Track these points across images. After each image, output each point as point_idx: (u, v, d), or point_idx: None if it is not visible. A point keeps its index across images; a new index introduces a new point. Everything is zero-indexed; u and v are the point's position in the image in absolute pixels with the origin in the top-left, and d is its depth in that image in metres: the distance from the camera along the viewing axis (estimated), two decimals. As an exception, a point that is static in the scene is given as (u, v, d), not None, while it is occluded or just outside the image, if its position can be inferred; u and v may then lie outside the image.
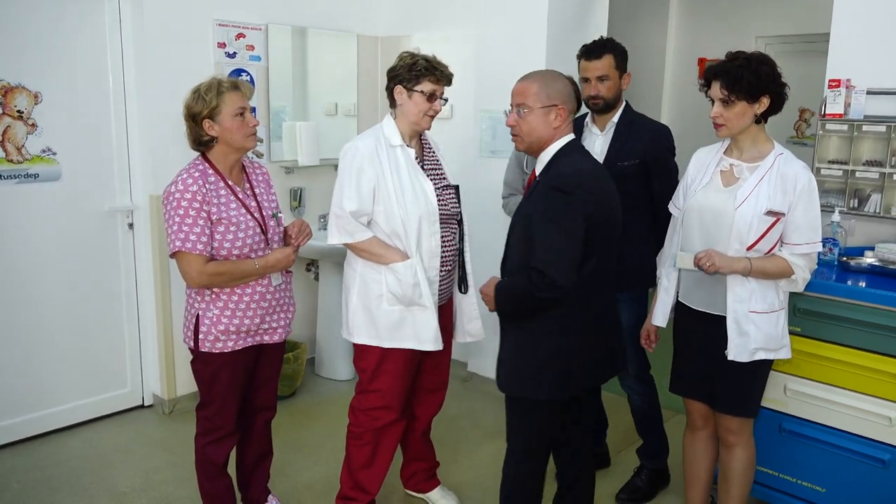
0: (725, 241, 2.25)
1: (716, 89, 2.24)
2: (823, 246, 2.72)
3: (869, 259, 2.74)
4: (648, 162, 2.77)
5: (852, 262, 2.72)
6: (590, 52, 2.79)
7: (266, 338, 2.49)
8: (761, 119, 2.27)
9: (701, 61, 5.33)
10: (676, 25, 5.49)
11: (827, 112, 2.93)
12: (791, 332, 2.47)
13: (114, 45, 3.43)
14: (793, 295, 2.50)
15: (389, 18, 4.34)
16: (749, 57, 2.22)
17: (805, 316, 2.55)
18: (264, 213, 2.46)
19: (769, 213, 2.21)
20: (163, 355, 3.63)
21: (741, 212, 2.22)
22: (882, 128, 2.81)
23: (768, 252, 2.26)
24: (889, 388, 2.41)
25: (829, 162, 2.96)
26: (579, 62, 2.84)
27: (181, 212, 2.24)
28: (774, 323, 2.31)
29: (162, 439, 3.41)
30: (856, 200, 2.91)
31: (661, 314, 2.50)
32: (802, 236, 2.23)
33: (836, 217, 2.82)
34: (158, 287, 3.56)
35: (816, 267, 2.37)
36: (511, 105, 2.20)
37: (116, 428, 3.53)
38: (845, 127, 2.89)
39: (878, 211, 2.85)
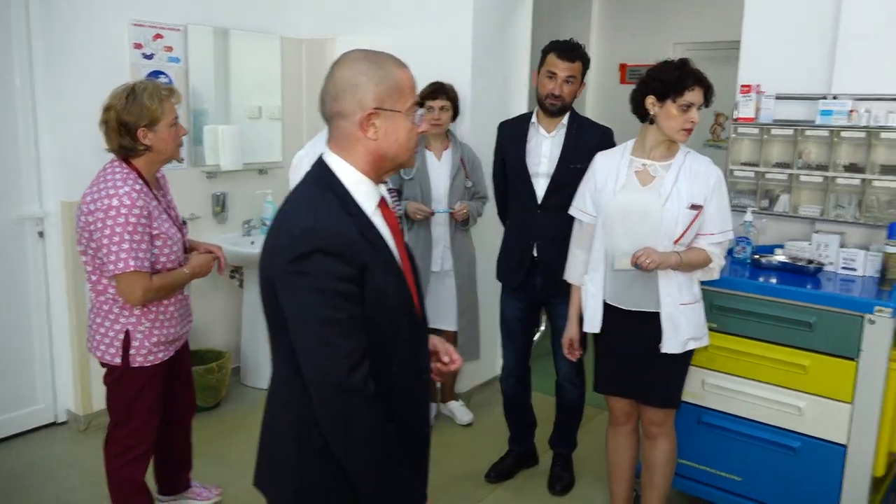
0: (654, 238, 2.34)
1: (698, 96, 2.30)
2: (737, 244, 2.88)
3: (779, 257, 2.89)
4: None
5: (764, 260, 2.87)
6: (565, 50, 2.78)
7: (178, 343, 2.52)
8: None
9: (622, 67, 5.51)
10: (598, 31, 5.66)
11: (739, 116, 3.08)
12: (709, 329, 2.57)
13: (20, 43, 3.31)
14: (709, 292, 2.62)
15: (314, 21, 4.33)
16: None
17: (721, 312, 2.67)
18: (178, 221, 2.47)
19: (692, 206, 2.33)
20: (77, 370, 3.50)
21: (668, 208, 2.32)
22: (790, 131, 2.98)
23: (691, 244, 2.39)
24: (799, 379, 2.56)
25: (742, 164, 3.11)
26: (546, 56, 2.81)
27: (129, 228, 2.19)
28: (699, 312, 2.47)
29: (78, 458, 3.29)
30: (767, 201, 3.07)
31: (594, 320, 2.51)
32: (717, 227, 2.38)
33: (748, 217, 2.96)
34: (72, 298, 3.44)
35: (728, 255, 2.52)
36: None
37: (29, 446, 3.39)
38: (756, 130, 3.05)
39: (787, 210, 3.02)
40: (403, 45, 3.88)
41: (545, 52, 2.83)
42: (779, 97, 3.02)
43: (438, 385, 3.81)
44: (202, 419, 3.65)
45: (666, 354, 2.41)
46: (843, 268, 2.81)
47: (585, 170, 2.71)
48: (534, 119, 2.92)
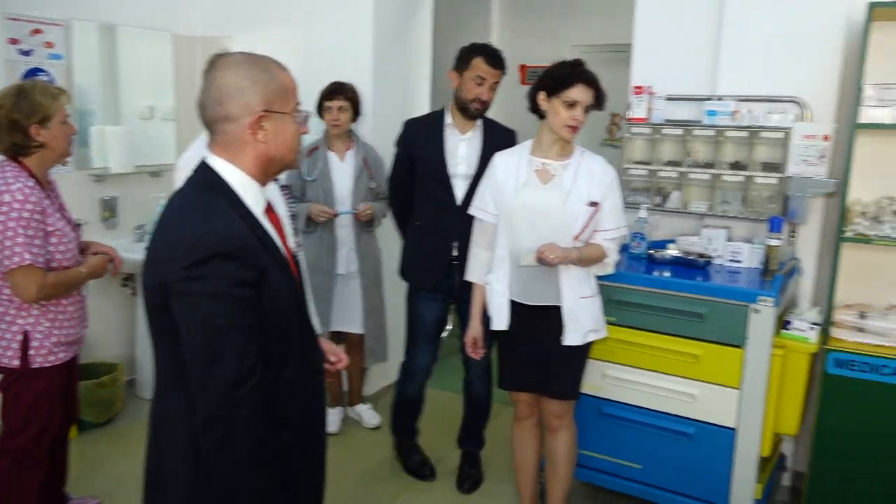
0: (556, 235, 2.40)
1: (586, 95, 2.37)
2: (633, 240, 2.99)
3: (671, 251, 3.02)
4: None
5: (658, 255, 3.00)
6: (495, 58, 2.85)
7: (77, 347, 2.48)
8: None
9: (522, 68, 5.62)
10: (499, 32, 5.75)
11: (632, 116, 3.20)
12: (608, 323, 2.68)
13: None
14: (608, 287, 2.72)
15: (208, 18, 4.19)
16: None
17: (619, 306, 2.77)
18: (72, 221, 2.45)
19: (590, 204, 2.42)
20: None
21: (569, 205, 2.40)
22: (679, 131, 3.12)
23: (587, 241, 2.47)
24: (692, 368, 2.68)
25: (636, 162, 3.23)
26: (472, 59, 2.84)
27: (23, 223, 2.17)
28: (597, 306, 2.56)
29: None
30: (660, 197, 3.21)
31: (502, 317, 2.53)
32: (612, 223, 2.48)
33: (642, 213, 3.08)
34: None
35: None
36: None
37: None
38: (648, 130, 3.18)
39: (678, 207, 3.16)
40: (303, 43, 3.83)
41: (470, 55, 2.86)
42: (669, 98, 3.16)
43: (346, 388, 3.78)
44: (96, 435, 3.48)
45: (567, 347, 2.48)
46: (730, 260, 2.97)
47: None
48: (449, 120, 2.95)
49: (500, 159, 2.55)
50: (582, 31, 5.43)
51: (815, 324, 2.68)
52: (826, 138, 2.82)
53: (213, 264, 1.28)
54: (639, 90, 3.18)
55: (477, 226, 2.64)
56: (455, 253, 2.95)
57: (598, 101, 2.41)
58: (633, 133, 3.21)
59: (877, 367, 2.59)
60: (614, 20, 5.12)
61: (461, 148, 2.93)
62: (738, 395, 2.62)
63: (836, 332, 2.72)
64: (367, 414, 3.73)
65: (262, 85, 1.38)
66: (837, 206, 2.75)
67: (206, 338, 1.28)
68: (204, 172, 1.41)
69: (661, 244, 3.10)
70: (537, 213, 2.43)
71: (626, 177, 3.21)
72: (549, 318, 2.48)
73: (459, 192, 2.93)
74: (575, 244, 2.43)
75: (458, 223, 2.88)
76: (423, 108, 4.03)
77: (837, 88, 2.89)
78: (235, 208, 1.37)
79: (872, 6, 2.56)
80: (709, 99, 3.06)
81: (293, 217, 3.27)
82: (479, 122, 2.96)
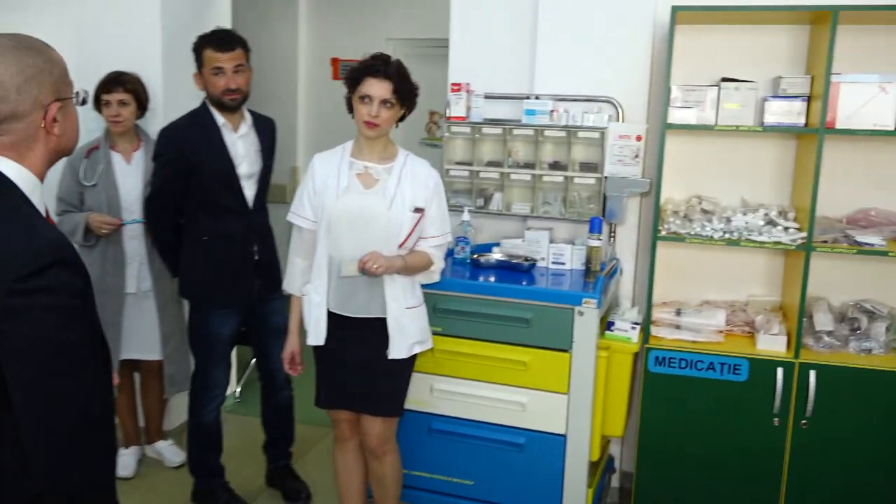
0: (380, 242, 2.36)
1: (380, 89, 2.32)
2: (456, 245, 3.00)
3: (496, 255, 3.06)
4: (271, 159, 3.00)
5: (482, 259, 3.02)
6: (222, 41, 2.73)
7: None
8: (397, 124, 2.46)
9: (334, 61, 5.52)
10: (307, 24, 5.61)
11: (451, 115, 3.21)
12: (434, 333, 2.65)
13: None
14: (433, 295, 2.69)
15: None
16: (400, 62, 2.38)
17: (445, 315, 2.75)
18: None
19: (415, 210, 2.40)
20: None
21: (393, 211, 2.37)
22: (499, 130, 3.16)
23: (413, 247, 2.45)
24: (521, 376, 2.72)
25: (457, 163, 3.24)
26: (203, 53, 2.74)
27: None
28: (423, 316, 2.55)
29: None
30: (482, 199, 3.24)
31: (318, 331, 2.47)
32: (437, 229, 2.48)
33: (465, 216, 3.09)
34: None
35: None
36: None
37: None
38: (468, 129, 3.20)
39: (501, 209, 3.21)
40: (74, 25, 3.47)
41: (200, 49, 2.76)
42: (487, 96, 3.19)
43: (142, 424, 3.46)
44: None
45: (392, 361, 2.44)
46: (554, 262, 3.05)
47: (271, 166, 2.93)
48: (223, 120, 2.82)
49: (319, 162, 2.49)
50: (398, 24, 5.43)
51: (635, 323, 2.81)
52: (639, 138, 2.98)
53: (49, 274, 1.16)
54: (457, 87, 3.19)
55: (295, 233, 2.55)
56: (257, 258, 2.90)
57: (402, 97, 2.37)
58: (453, 132, 3.22)
59: (693, 362, 2.77)
60: (433, 14, 5.15)
61: (239, 146, 2.84)
62: (566, 401, 2.69)
63: (655, 331, 2.89)
64: (169, 451, 3.43)
65: (48, 72, 1.28)
66: (652, 205, 2.92)
67: (52, 360, 1.16)
68: None
69: (486, 248, 3.13)
70: (360, 220, 2.37)
71: (447, 178, 3.21)
72: (372, 330, 2.42)
73: (249, 192, 2.87)
74: (400, 252, 2.39)
75: (254, 226, 2.88)
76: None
77: (647, 89, 3.07)
78: (38, 216, 1.26)
79: (675, 10, 2.74)
80: (527, 98, 3.13)
81: (70, 230, 2.97)
82: (249, 117, 2.89)
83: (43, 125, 1.29)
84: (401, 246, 2.40)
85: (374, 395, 2.49)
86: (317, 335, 2.47)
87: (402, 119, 2.46)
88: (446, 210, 2.53)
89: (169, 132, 2.85)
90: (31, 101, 1.26)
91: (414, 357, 2.53)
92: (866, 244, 2.71)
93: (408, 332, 2.45)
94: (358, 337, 2.44)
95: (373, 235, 2.37)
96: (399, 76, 2.35)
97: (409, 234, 2.41)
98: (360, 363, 2.46)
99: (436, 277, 2.57)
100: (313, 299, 2.47)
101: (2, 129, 1.26)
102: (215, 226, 2.84)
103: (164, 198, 2.87)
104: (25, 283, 1.14)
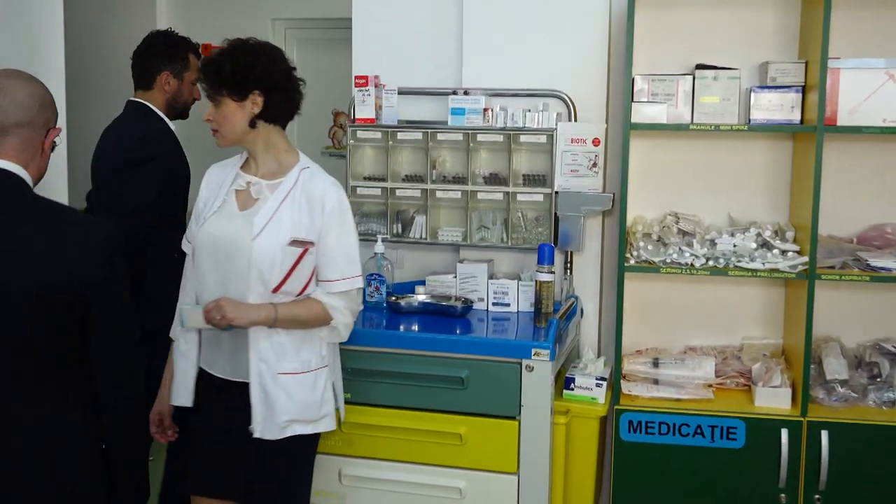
0: (245, 283, 2.34)
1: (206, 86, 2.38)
2: (369, 284, 2.99)
3: (420, 296, 3.08)
4: None
5: (403, 302, 3.04)
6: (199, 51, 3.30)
7: None
8: (270, 122, 2.41)
9: (205, 48, 5.49)
10: (168, 4, 5.58)
11: (357, 116, 3.24)
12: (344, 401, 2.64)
13: None
14: (340, 351, 2.66)
15: None
16: (238, 45, 2.38)
17: (355, 377, 2.74)
18: None
19: (294, 242, 2.35)
20: None
21: (260, 243, 2.32)
22: (419, 135, 3.20)
23: (301, 293, 2.40)
24: (456, 453, 2.73)
25: (365, 178, 3.26)
26: (190, 57, 3.30)
27: None
28: (311, 385, 2.45)
29: None
30: (399, 224, 3.26)
31: (183, 390, 2.47)
32: (337, 270, 2.42)
33: (379, 247, 3.11)
34: None
35: (362, 307, 2.59)
36: None
37: None
38: (378, 135, 3.23)
39: (424, 236, 3.23)
40: None
41: (184, 50, 3.32)
42: (403, 92, 3.23)
43: None
44: None
45: (269, 442, 2.39)
46: (495, 304, 3.09)
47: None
48: (172, 126, 3.29)
49: (210, 173, 2.55)
50: (286, 1, 5.43)
51: (601, 379, 2.86)
52: (596, 142, 3.06)
53: (120, 255, 1.98)
54: (363, 81, 3.22)
55: (186, 263, 2.57)
56: None
57: (221, 82, 2.34)
58: (360, 139, 3.25)
59: (676, 427, 2.82)
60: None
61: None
62: (516, 483, 2.71)
63: (627, 387, 2.93)
64: None
65: (52, 105, 2.02)
66: (617, 226, 2.98)
67: (128, 329, 2.01)
68: (7, 177, 1.92)
69: (407, 287, 3.15)
70: (221, 253, 2.37)
71: (354, 198, 3.21)
72: (241, 397, 2.39)
73: None
74: (275, 299, 2.37)
75: None
76: (56, 88, 3.74)
77: (605, 80, 3.15)
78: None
79: (637, -21, 2.84)
80: (453, 93, 3.18)
81: None
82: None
83: (42, 145, 1.97)
84: (276, 290, 2.37)
85: (258, 485, 2.46)
86: (179, 393, 2.47)
87: (268, 116, 2.40)
88: (354, 245, 2.47)
89: (147, 130, 3.09)
90: (43, 120, 1.97)
91: (311, 438, 2.49)
92: (882, 269, 2.81)
93: (279, 407, 2.38)
94: (228, 405, 2.43)
95: (237, 273, 2.35)
96: (220, 56, 2.37)
97: (288, 275, 2.37)
98: (233, 439, 2.43)
99: (342, 335, 2.51)
100: (181, 348, 2.48)
101: (18, 133, 1.91)
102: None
103: (154, 211, 3.08)
104: (112, 262, 1.94)
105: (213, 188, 2.49)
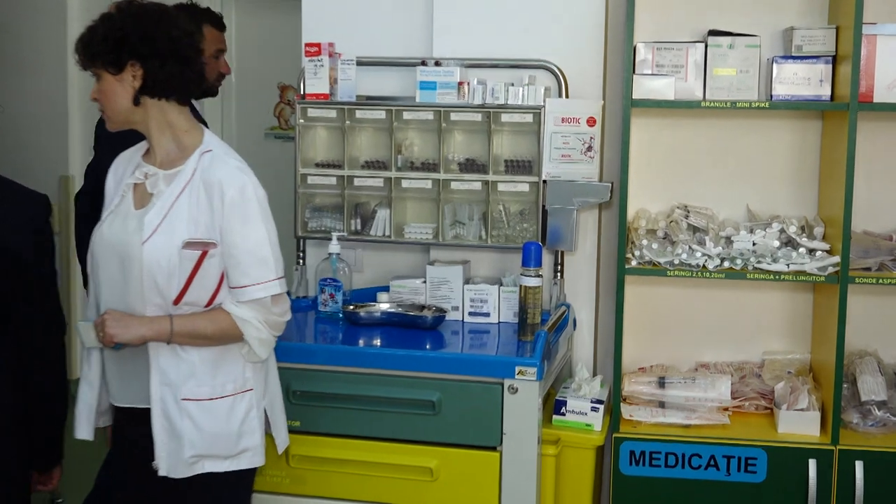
0: (140, 294, 2.31)
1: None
2: (322, 291, 2.96)
3: (383, 305, 3.05)
4: None
5: (362, 312, 3.00)
6: (221, 19, 3.49)
7: None
8: (160, 98, 2.35)
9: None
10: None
11: (307, 91, 3.19)
12: (291, 429, 2.59)
13: None
14: (284, 371, 2.63)
15: None
16: (120, 7, 2.30)
17: (304, 401, 2.71)
18: None
19: (189, 244, 2.30)
20: None
21: (152, 248, 2.28)
22: (381, 114, 3.17)
23: (209, 304, 2.35)
24: (426, 491, 2.69)
25: (318, 165, 3.22)
26: (204, 29, 3.31)
27: None
28: (225, 414, 2.39)
29: None
30: (359, 220, 3.22)
31: (84, 421, 2.45)
32: (245, 274, 2.34)
33: (334, 247, 3.07)
34: None
35: (286, 319, 2.47)
36: None
37: None
38: (334, 113, 3.19)
39: (387, 234, 3.19)
40: None
41: (199, 24, 3.20)
42: (363, 63, 3.19)
43: None
44: None
45: (183, 482, 2.35)
46: (472, 313, 3.06)
47: None
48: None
49: (115, 162, 2.52)
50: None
51: (598, 402, 2.82)
52: (591, 122, 3.03)
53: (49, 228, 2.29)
54: (315, 50, 3.18)
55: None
56: None
57: (93, 53, 2.31)
58: (312, 118, 3.22)
59: (685, 458, 2.80)
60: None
61: None
62: (497, 525, 2.68)
63: (628, 412, 2.91)
64: None
65: None
66: (616, 222, 2.96)
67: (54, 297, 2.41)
68: None
69: (367, 294, 3.12)
70: (116, 259, 2.33)
71: (305, 187, 3.19)
72: (145, 426, 2.36)
73: None
74: (176, 310, 2.33)
75: None
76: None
77: (602, 49, 3.13)
78: None
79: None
80: (423, 64, 3.15)
81: None
82: None
83: None
84: (177, 301, 2.33)
85: None
86: (81, 424, 2.45)
87: (154, 91, 2.34)
88: (264, 244, 2.37)
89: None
90: None
91: (242, 475, 2.45)
92: (926, 270, 2.82)
93: (187, 438, 2.34)
94: (133, 436, 2.40)
95: (132, 284, 2.32)
96: (96, 22, 2.32)
97: (188, 283, 2.33)
98: (138, 475, 2.39)
99: (259, 354, 2.40)
100: (83, 371, 2.46)
101: None
102: None
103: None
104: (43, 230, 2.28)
105: (118, 180, 2.46)
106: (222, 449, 2.37)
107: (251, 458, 2.42)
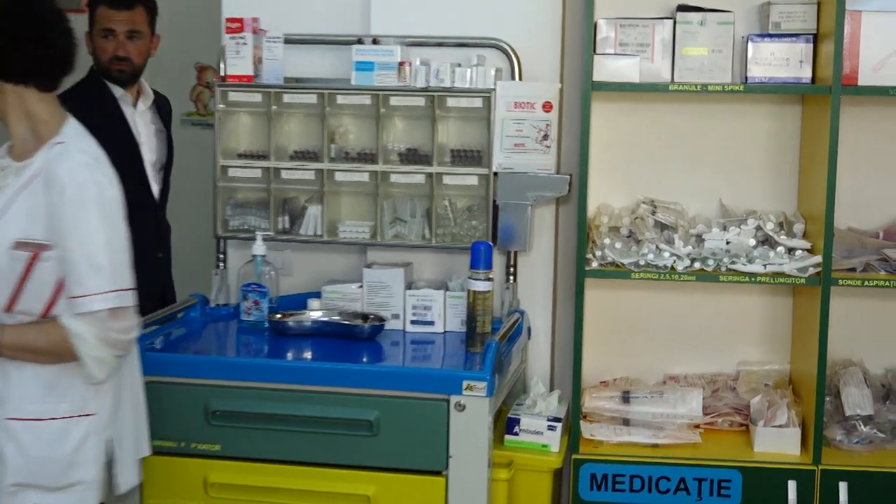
0: None
1: None
2: (245, 298, 2.93)
3: (314, 313, 3.02)
4: None
5: (290, 321, 2.98)
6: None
7: None
8: (15, 83, 2.34)
9: None
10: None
11: (228, 73, 3.17)
12: (202, 454, 2.60)
13: None
14: (202, 388, 2.63)
15: None
16: None
17: (224, 422, 2.67)
18: None
19: (19, 244, 2.30)
20: None
21: None
22: (313, 98, 3.14)
23: (45, 314, 2.34)
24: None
25: (240, 155, 3.20)
26: (95, 10, 3.53)
27: None
28: (55, 439, 2.37)
29: None
30: (287, 217, 3.20)
31: None
32: (81, 283, 2.32)
33: (259, 248, 3.04)
34: None
35: (129, 338, 2.42)
36: None
37: None
38: (258, 97, 3.16)
39: (319, 233, 3.17)
40: None
41: (92, 4, 3.59)
42: (291, 41, 3.17)
43: None
44: None
45: None
46: (414, 321, 3.04)
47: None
48: (121, 92, 3.59)
49: None
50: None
51: (555, 419, 2.81)
52: (548, 107, 3.03)
53: None
54: (236, 26, 3.15)
55: None
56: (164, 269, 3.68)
57: None
58: (233, 103, 3.20)
59: (652, 481, 2.81)
60: None
61: (139, 125, 3.63)
62: (443, 560, 2.67)
63: (589, 430, 2.90)
64: None
65: None
66: (575, 218, 2.95)
67: None
68: None
69: (297, 300, 3.10)
70: None
71: (225, 180, 3.18)
72: None
73: (155, 185, 3.66)
74: (10, 320, 2.34)
75: (161, 229, 3.72)
76: None
77: (559, 27, 3.13)
78: None
79: None
80: (359, 42, 3.13)
81: None
82: (149, 90, 3.71)
83: None
84: (8, 308, 2.35)
85: None
86: None
87: (5, 75, 2.35)
88: (104, 248, 2.34)
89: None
90: None
91: None
92: (916, 271, 2.84)
93: (8, 463, 2.35)
94: None
95: None
96: None
97: (18, 288, 2.33)
98: None
99: (95, 375, 2.35)
100: None
101: None
102: None
103: None
104: None
105: None
106: (48, 478, 2.36)
107: (82, 494, 2.39)
